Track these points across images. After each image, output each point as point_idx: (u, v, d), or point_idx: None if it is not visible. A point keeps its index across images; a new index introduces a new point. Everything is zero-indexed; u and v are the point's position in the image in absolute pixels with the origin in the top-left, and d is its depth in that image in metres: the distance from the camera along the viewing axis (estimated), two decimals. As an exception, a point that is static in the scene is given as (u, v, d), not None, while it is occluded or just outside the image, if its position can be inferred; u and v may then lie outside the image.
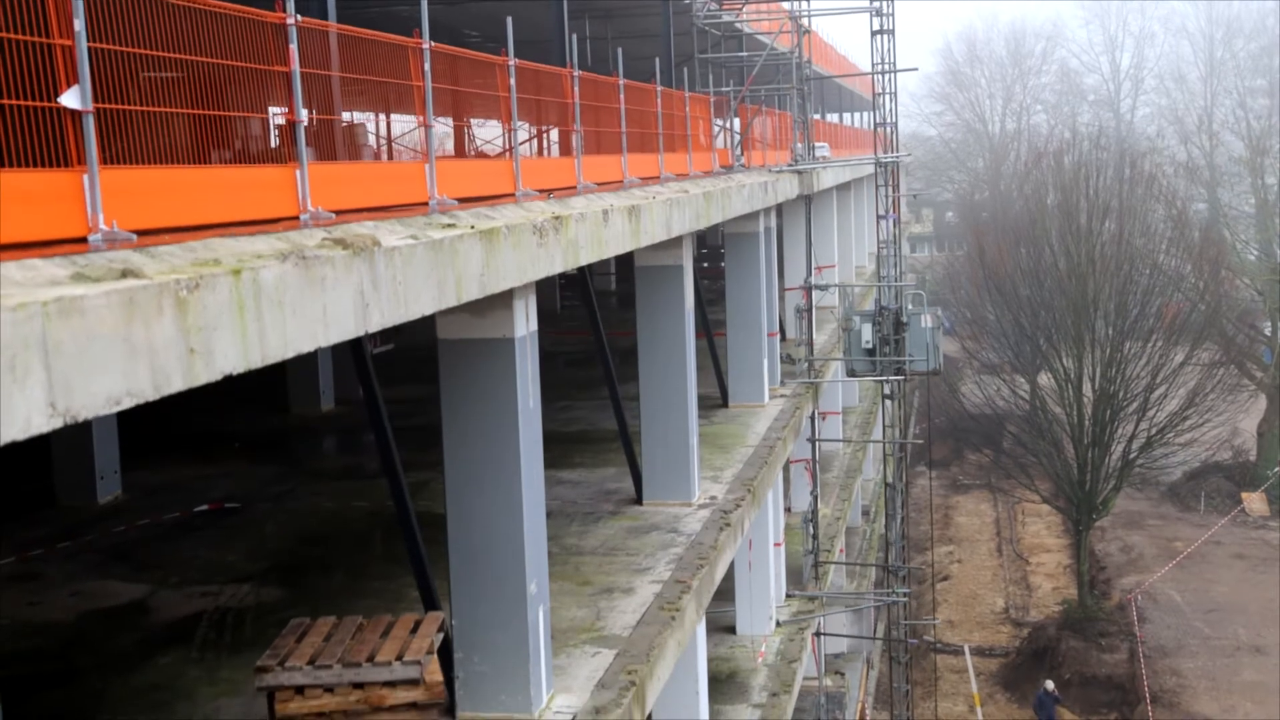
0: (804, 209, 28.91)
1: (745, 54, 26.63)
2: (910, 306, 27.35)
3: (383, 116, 26.05)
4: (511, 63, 12.59)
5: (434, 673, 9.12)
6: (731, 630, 23.39)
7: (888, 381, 27.89)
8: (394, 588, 15.13)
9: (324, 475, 21.92)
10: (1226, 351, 49.80)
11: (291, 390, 27.39)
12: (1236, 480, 54.76)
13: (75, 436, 20.14)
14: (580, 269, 20.66)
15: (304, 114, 8.66)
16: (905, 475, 50.33)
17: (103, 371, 4.85)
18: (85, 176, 6.79)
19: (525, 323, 11.38)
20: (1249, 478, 54.55)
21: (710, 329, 25.34)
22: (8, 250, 5.74)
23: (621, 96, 16.72)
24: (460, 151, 16.89)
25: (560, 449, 21.75)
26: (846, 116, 64.27)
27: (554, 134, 18.83)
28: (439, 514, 11.94)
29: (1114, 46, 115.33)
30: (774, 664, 22.64)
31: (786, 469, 28.51)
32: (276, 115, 9.16)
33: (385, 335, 32.03)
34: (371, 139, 28.01)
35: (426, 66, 10.70)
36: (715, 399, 25.02)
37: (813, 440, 27.75)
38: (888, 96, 27.51)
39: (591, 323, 18.55)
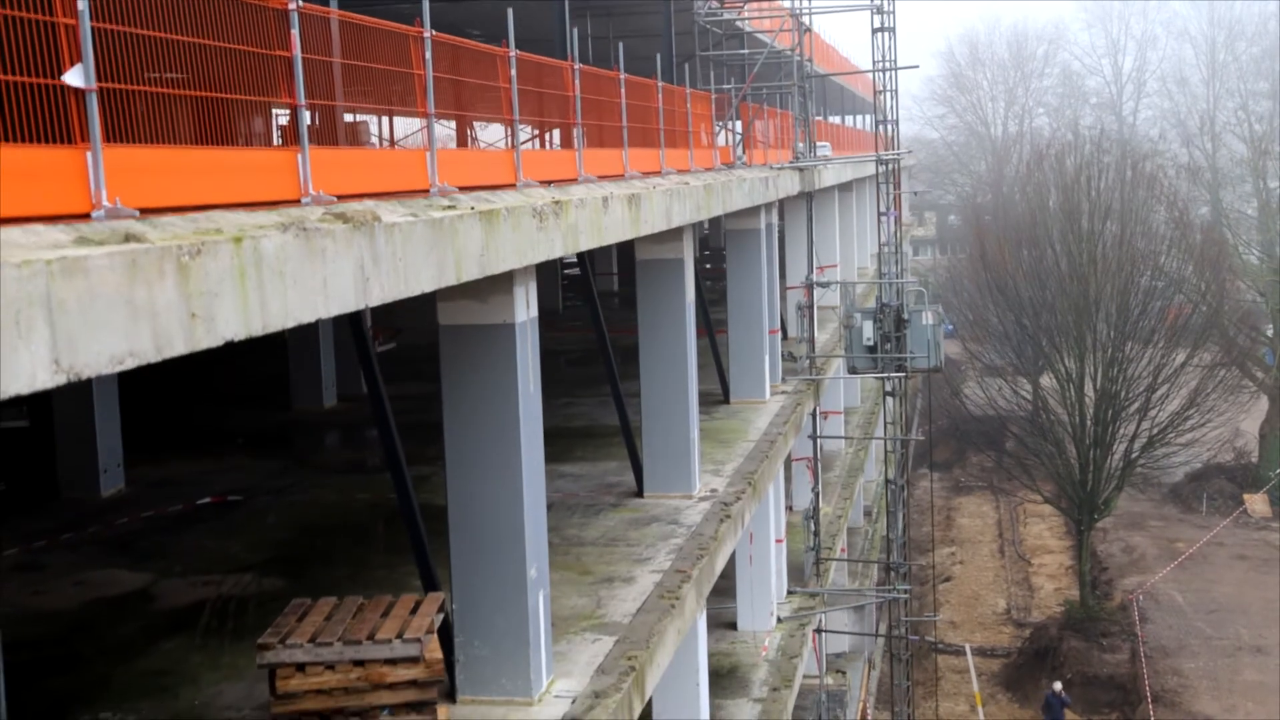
0: (805, 208, 28.99)
1: (746, 51, 26.69)
2: (911, 304, 27.41)
3: (385, 119, 26.18)
4: (513, 54, 12.67)
5: (434, 651, 9.20)
6: (733, 626, 23.45)
7: (889, 378, 27.93)
8: (395, 577, 15.21)
9: (326, 469, 22.03)
10: (1228, 353, 49.81)
11: (294, 387, 27.50)
12: (1239, 482, 54.77)
13: (78, 430, 20.26)
14: (583, 268, 20.79)
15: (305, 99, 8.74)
16: (907, 473, 50.46)
17: (106, 331, 4.93)
18: (89, 154, 6.88)
19: (526, 308, 11.46)
20: (1251, 479, 54.57)
21: (712, 327, 25.43)
22: (11, 224, 5.82)
23: (622, 91, 16.80)
24: (462, 146, 16.99)
25: (562, 443, 21.84)
26: (848, 119, 64.35)
27: (555, 131, 18.94)
28: (440, 506, 12.02)
29: (1116, 49, 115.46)
30: (775, 659, 22.69)
31: (788, 467, 28.60)
32: (280, 115, 9.26)
33: (387, 334, 32.14)
34: (375, 140, 28.16)
35: (427, 55, 10.78)
36: (717, 395, 25.10)
37: (814, 437, 27.81)
38: (889, 94, 27.57)
39: (593, 318, 18.63)
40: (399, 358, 30.45)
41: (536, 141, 26.47)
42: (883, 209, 28.32)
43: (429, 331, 11.92)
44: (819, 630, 27.59)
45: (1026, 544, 53.89)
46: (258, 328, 5.94)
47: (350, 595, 10.07)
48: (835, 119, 55.21)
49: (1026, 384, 51.13)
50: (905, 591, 28.43)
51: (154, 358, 5.19)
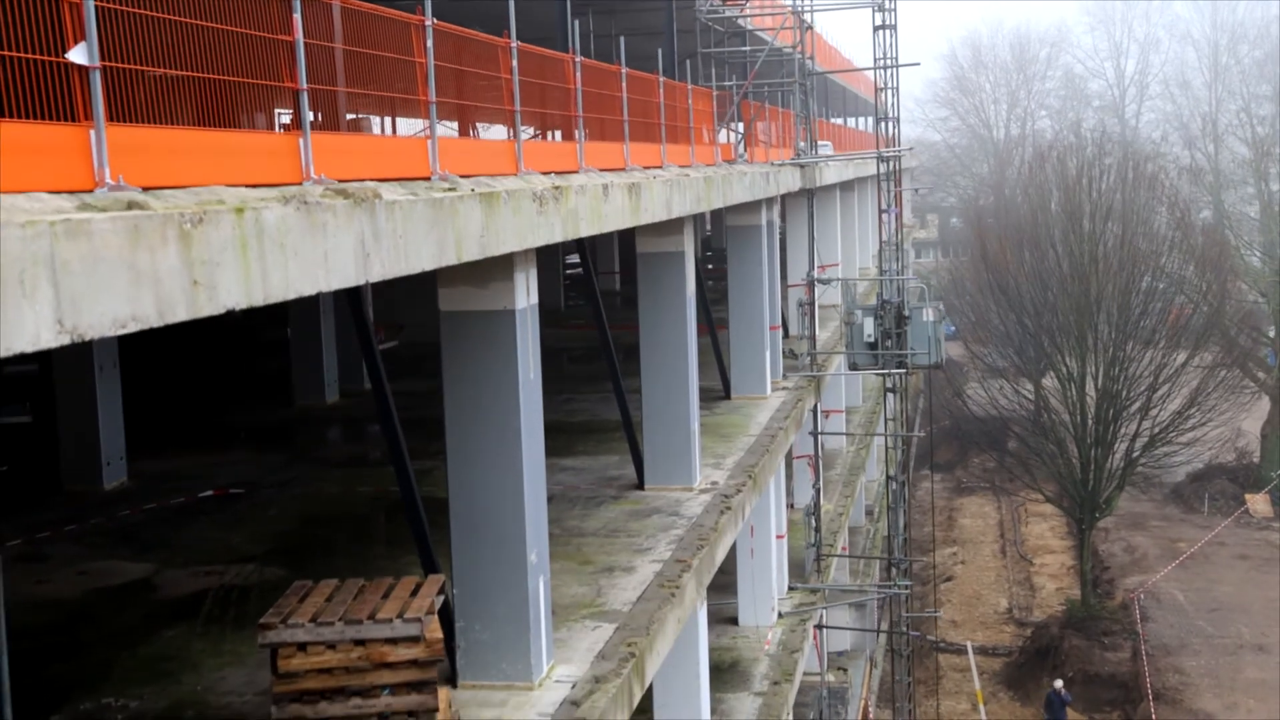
0: (806, 206, 29.05)
1: (748, 49, 26.76)
2: (912, 301, 27.46)
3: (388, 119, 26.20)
4: (514, 44, 12.74)
5: (434, 631, 9.25)
6: (734, 621, 23.50)
7: (890, 375, 27.99)
8: (397, 567, 15.25)
9: (328, 463, 22.11)
10: (1229, 353, 49.86)
11: (297, 384, 27.58)
12: (1240, 482, 54.80)
13: (81, 423, 20.33)
14: (584, 264, 20.88)
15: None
16: (909, 470, 50.49)
17: (109, 294, 4.99)
18: (92, 131, 6.95)
19: (526, 295, 11.52)
20: (1253, 479, 54.60)
21: (714, 324, 25.49)
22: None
23: (624, 85, 16.87)
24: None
25: (563, 438, 21.90)
26: (851, 121, 64.42)
27: (558, 133, 18.99)
28: (441, 498, 12.08)
29: (1119, 52, 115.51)
30: (776, 654, 22.74)
31: (790, 465, 28.65)
32: (283, 115, 9.31)
33: (390, 332, 32.20)
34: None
35: (429, 43, 10.84)
36: (718, 391, 25.16)
37: (815, 434, 27.87)
38: (890, 91, 27.64)
39: (594, 314, 18.68)
40: (400, 355, 30.53)
41: (538, 139, 26.53)
42: (884, 206, 28.38)
43: (430, 329, 12.00)
44: (820, 626, 27.63)
45: (1028, 544, 53.91)
46: (259, 298, 6.00)
47: (351, 578, 10.13)
48: (837, 120, 55.30)
49: (1028, 385, 51.18)
50: (906, 587, 28.47)
51: (156, 322, 5.25)
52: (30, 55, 6.75)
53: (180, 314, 5.40)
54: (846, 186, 43.44)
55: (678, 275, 18.51)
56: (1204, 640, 40.52)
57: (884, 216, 28.40)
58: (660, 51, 20.61)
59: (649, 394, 18.73)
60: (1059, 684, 37.06)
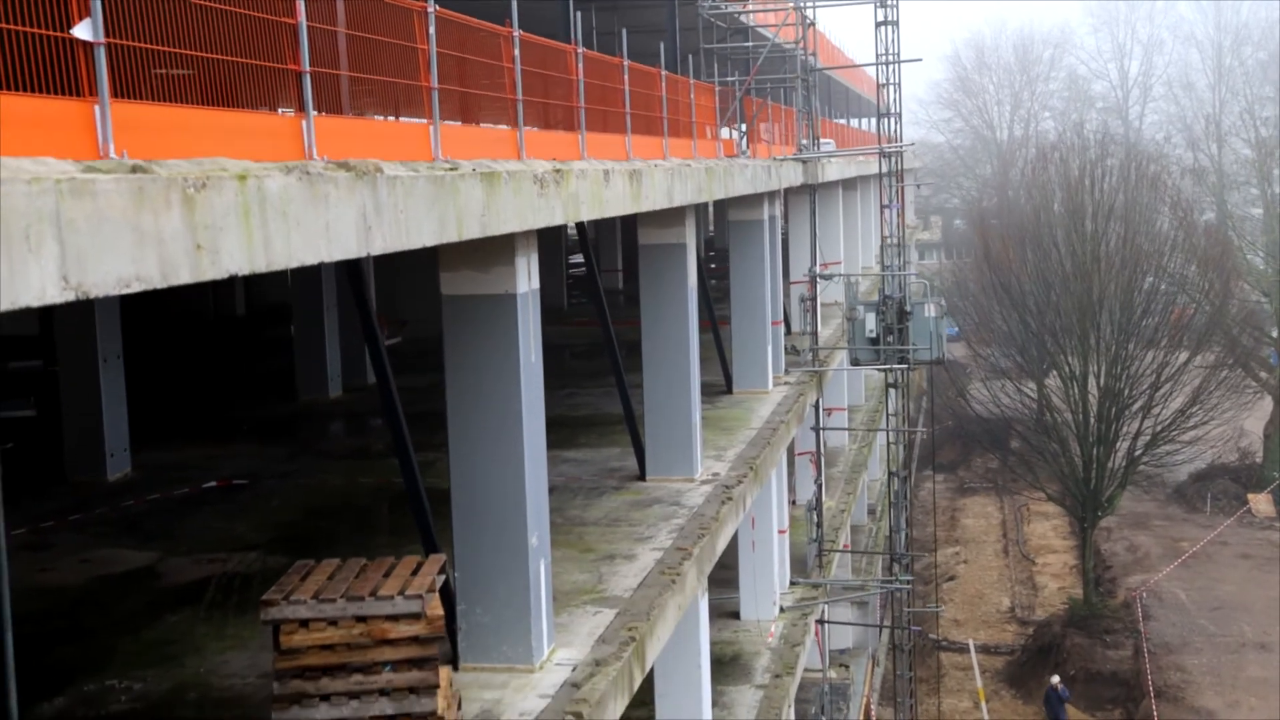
0: (808, 202, 29.12)
1: (750, 44, 26.84)
2: (914, 296, 27.54)
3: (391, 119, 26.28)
4: (516, 33, 12.81)
5: (435, 608, 9.31)
6: (736, 615, 23.54)
7: (891, 370, 28.06)
8: (399, 556, 15.30)
9: (331, 455, 22.20)
10: (1232, 352, 49.90)
11: (300, 379, 27.66)
12: (1243, 482, 54.81)
13: (85, 415, 20.41)
14: (587, 257, 20.94)
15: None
16: (912, 469, 50.54)
17: (113, 253, 5.07)
18: (96, 107, 7.03)
19: (527, 279, 11.60)
20: (1255, 479, 54.62)
21: (716, 319, 25.53)
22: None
23: (626, 78, 16.95)
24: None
25: (566, 431, 21.98)
26: (854, 122, 64.49)
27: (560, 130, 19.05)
28: (443, 489, 12.14)
29: (1122, 54, 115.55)
30: (777, 647, 22.80)
31: (792, 463, 28.72)
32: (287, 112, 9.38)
33: (392, 328, 32.29)
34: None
35: (431, 30, 10.91)
36: (720, 386, 25.22)
37: (817, 429, 27.93)
38: (892, 87, 27.71)
39: (597, 308, 18.73)
40: (403, 351, 30.62)
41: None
42: (886, 202, 28.45)
43: (432, 325, 12.09)
44: (822, 621, 27.69)
45: (1031, 544, 53.94)
46: (261, 264, 6.07)
47: (353, 557, 10.19)
48: (840, 121, 55.36)
49: (1031, 385, 51.23)
50: (907, 582, 28.52)
51: (160, 284, 5.32)
52: (35, 30, 6.85)
53: (184, 276, 5.47)
54: (849, 185, 43.53)
55: (679, 267, 18.58)
56: (1206, 639, 40.54)
57: (886, 212, 28.45)
58: (662, 46, 20.70)
59: (650, 385, 18.80)
60: (1056, 679, 37.09)
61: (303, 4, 9.01)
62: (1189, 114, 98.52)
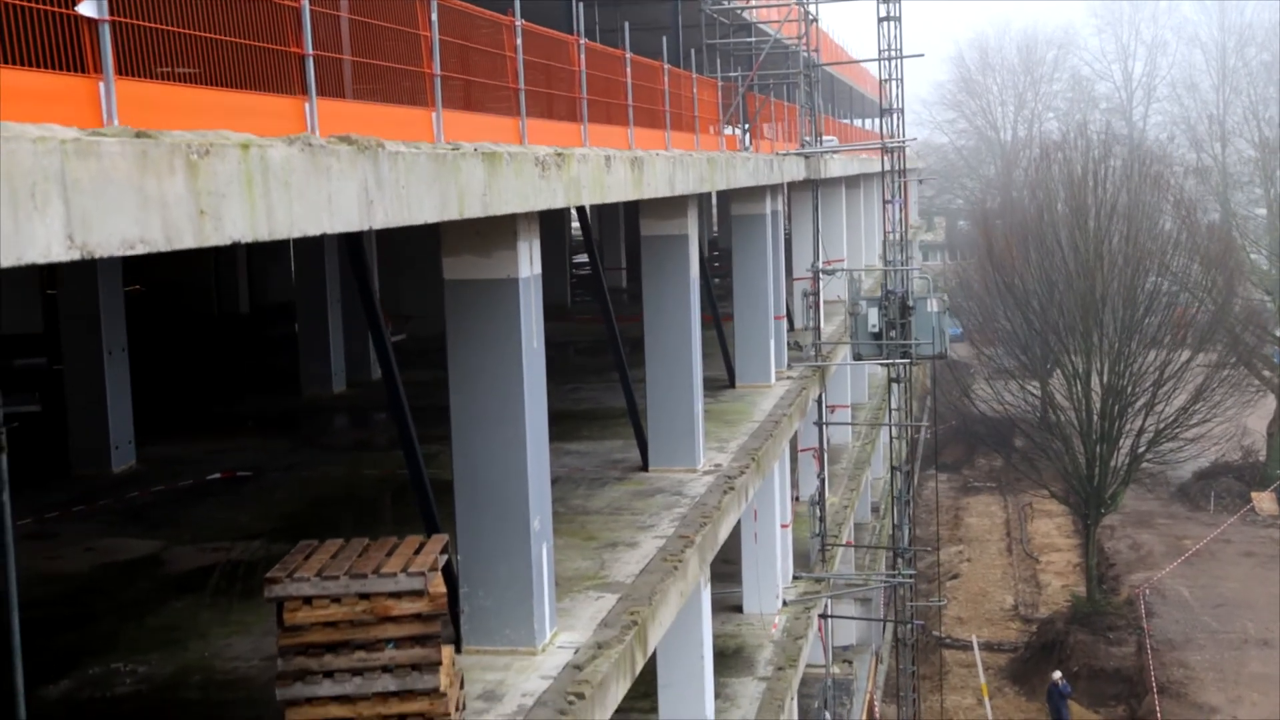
0: (811, 199, 29.17)
1: (753, 40, 26.91)
2: (916, 291, 27.59)
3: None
4: (518, 22, 12.88)
5: (438, 585, 9.37)
6: (739, 609, 23.59)
7: (894, 365, 28.11)
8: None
9: (335, 448, 22.29)
10: (1234, 351, 49.91)
11: (304, 375, 27.75)
12: (1247, 480, 54.80)
13: (90, 408, 20.49)
14: (591, 254, 21.00)
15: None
16: (915, 467, 50.56)
17: (118, 214, 5.14)
18: (101, 84, 7.11)
19: (529, 264, 11.67)
20: (1259, 478, 54.60)
21: (719, 315, 25.58)
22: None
23: (628, 70, 17.02)
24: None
25: (569, 424, 22.06)
26: (858, 121, 64.58)
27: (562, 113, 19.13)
28: (446, 480, 12.21)
29: (1126, 55, 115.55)
30: (780, 640, 22.85)
31: (795, 460, 28.79)
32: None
33: (396, 324, 32.36)
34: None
35: (434, 16, 10.98)
36: (723, 380, 25.29)
37: (820, 424, 27.99)
38: (894, 83, 27.78)
39: (600, 302, 18.78)
40: (406, 348, 30.68)
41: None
42: (888, 197, 28.51)
43: (435, 322, 12.15)
44: (825, 616, 27.74)
45: (1034, 542, 53.94)
46: (264, 232, 6.14)
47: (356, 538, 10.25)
48: (845, 121, 55.42)
49: (1034, 384, 51.27)
50: (910, 577, 28.56)
51: (164, 247, 5.39)
52: (41, 6, 6.92)
53: (188, 241, 5.54)
54: (852, 183, 43.59)
55: (681, 258, 18.65)
56: (1209, 635, 40.55)
57: (888, 208, 28.51)
58: (665, 39, 20.77)
59: (653, 376, 18.86)
60: (1058, 675, 37.10)
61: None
62: (1193, 115, 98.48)
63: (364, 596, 9.29)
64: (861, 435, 38.61)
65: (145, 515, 17.81)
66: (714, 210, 61.29)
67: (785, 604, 24.07)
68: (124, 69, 7.25)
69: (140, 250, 5.23)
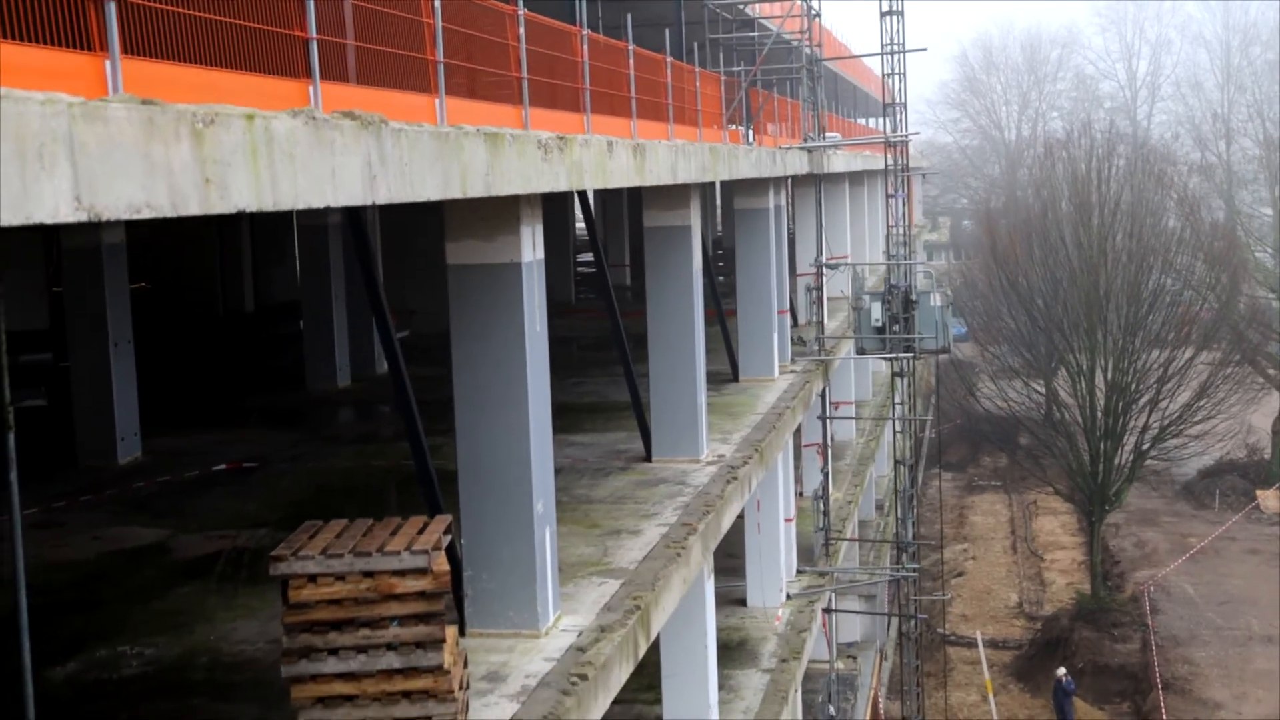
0: (814, 194, 29.26)
1: (756, 34, 27.00)
2: (919, 286, 27.67)
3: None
4: (521, 11, 12.96)
5: (441, 564, 9.44)
6: (742, 603, 23.66)
7: (897, 359, 28.18)
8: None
9: (340, 440, 22.38)
10: (1239, 348, 49.94)
11: (309, 369, 27.85)
12: (1251, 478, 54.83)
13: (96, 400, 20.59)
14: (595, 245, 21.08)
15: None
16: (920, 464, 50.61)
17: (124, 178, 5.21)
18: (107, 62, 7.19)
19: (532, 249, 11.75)
20: (1263, 476, 54.63)
21: (722, 309, 25.65)
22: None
23: (631, 62, 17.11)
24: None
25: (572, 416, 22.11)
26: (862, 120, 64.63)
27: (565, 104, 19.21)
28: (450, 471, 12.28)
29: (1130, 54, 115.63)
30: (784, 633, 22.92)
31: (799, 454, 28.85)
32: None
33: (401, 319, 32.44)
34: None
35: (437, 4, 11.06)
36: (726, 374, 25.34)
37: (824, 418, 28.06)
38: (897, 77, 27.85)
39: (603, 295, 18.87)
40: (409, 344, 30.72)
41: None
42: (891, 191, 28.58)
43: (439, 318, 12.24)
44: (829, 610, 27.80)
45: (1039, 540, 53.98)
46: (269, 202, 6.21)
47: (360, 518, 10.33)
48: (847, 120, 55.46)
49: (1039, 382, 51.32)
50: (914, 570, 28.61)
51: (170, 213, 5.47)
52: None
53: (193, 207, 5.62)
54: (856, 180, 43.63)
55: (684, 249, 18.72)
56: (1213, 632, 40.59)
57: (891, 202, 28.58)
58: (668, 32, 20.85)
59: (656, 366, 18.93)
60: (1062, 671, 37.12)
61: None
62: (1197, 114, 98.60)
63: (368, 574, 9.35)
64: (865, 432, 38.67)
65: (151, 505, 17.91)
66: (718, 210, 61.42)
67: (789, 598, 24.13)
68: (129, 48, 7.35)
69: (146, 215, 5.31)
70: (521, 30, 13.01)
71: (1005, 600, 48.20)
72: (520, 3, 12.95)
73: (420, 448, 11.86)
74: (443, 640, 9.44)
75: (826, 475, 27.67)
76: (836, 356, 29.00)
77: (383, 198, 7.41)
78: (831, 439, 29.38)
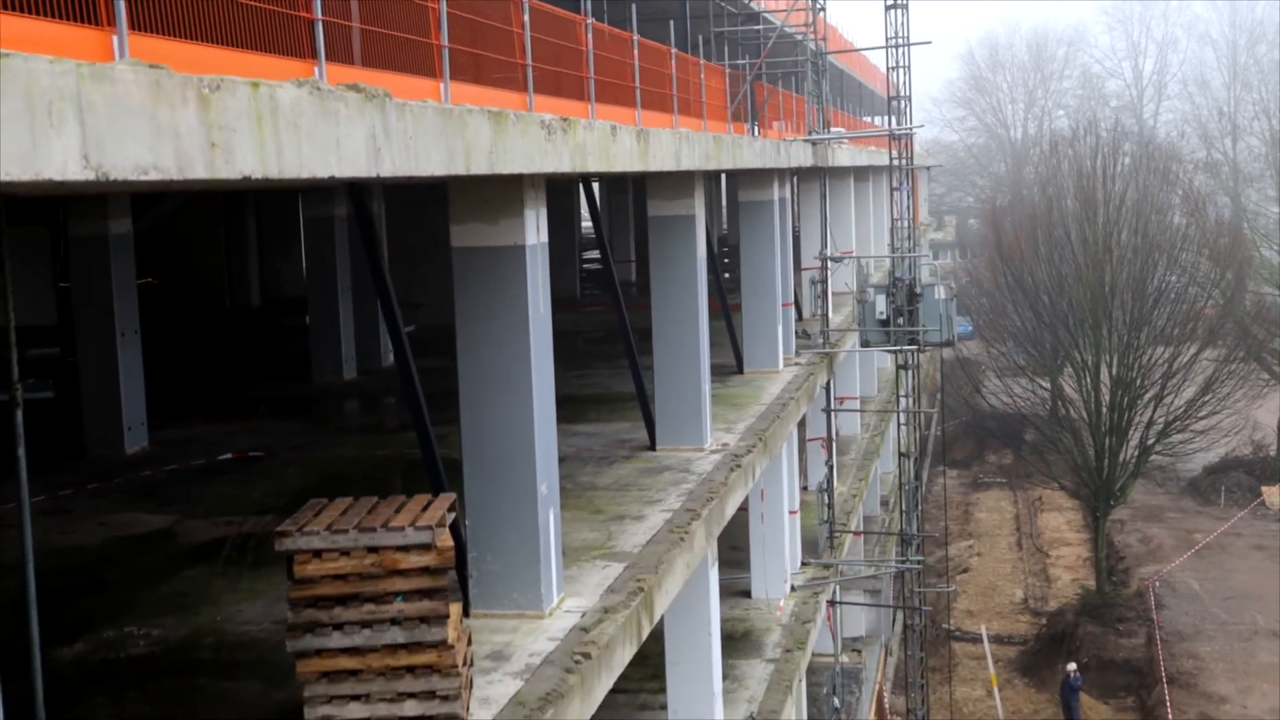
0: (819, 188, 29.30)
1: (760, 28, 27.07)
2: (924, 278, 27.72)
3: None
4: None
5: (445, 540, 9.51)
6: (747, 594, 23.73)
7: (901, 352, 28.23)
8: (412, 516, 15.54)
9: (346, 430, 22.47)
10: (1243, 344, 49.96)
11: (315, 362, 27.95)
12: (1257, 475, 54.82)
13: (103, 391, 20.68)
14: (599, 234, 21.16)
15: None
16: (925, 461, 50.67)
17: (132, 139, 5.28)
18: (114, 37, 7.27)
19: (536, 231, 11.82)
20: (1269, 472, 54.63)
21: (727, 302, 25.71)
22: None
23: (635, 52, 17.18)
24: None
25: (577, 407, 22.22)
26: (867, 117, 64.67)
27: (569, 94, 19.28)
28: (455, 459, 12.35)
29: (1137, 52, 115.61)
30: (788, 624, 22.99)
31: (803, 448, 28.90)
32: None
33: (407, 312, 32.50)
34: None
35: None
36: (730, 367, 25.40)
37: (828, 411, 28.11)
38: (901, 70, 27.90)
39: (609, 288, 18.92)
40: (416, 338, 30.80)
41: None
42: (896, 184, 28.63)
43: (446, 311, 12.31)
44: (833, 602, 27.85)
45: (1044, 536, 54.03)
46: (274, 170, 6.28)
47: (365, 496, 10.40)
48: (852, 116, 55.51)
49: (1044, 379, 51.37)
50: (918, 562, 28.66)
51: (176, 175, 5.54)
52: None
53: (199, 171, 5.69)
54: (861, 175, 43.68)
55: (689, 238, 18.79)
56: (1218, 626, 40.62)
57: (896, 195, 28.63)
58: (672, 24, 20.93)
59: (660, 355, 18.99)
60: (1072, 667, 37.17)
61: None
62: (1203, 112, 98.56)
63: (372, 550, 9.43)
64: (870, 428, 38.72)
65: (158, 492, 18.00)
66: (723, 206, 61.47)
67: (793, 589, 24.19)
68: (135, 24, 7.43)
69: (154, 177, 5.38)
70: (526, 17, 13.09)
71: (1010, 596, 48.24)
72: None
73: (426, 432, 11.94)
74: (446, 615, 9.51)
75: (831, 468, 27.72)
76: (841, 349, 29.05)
77: (387, 170, 7.48)
78: (836, 433, 29.43)
